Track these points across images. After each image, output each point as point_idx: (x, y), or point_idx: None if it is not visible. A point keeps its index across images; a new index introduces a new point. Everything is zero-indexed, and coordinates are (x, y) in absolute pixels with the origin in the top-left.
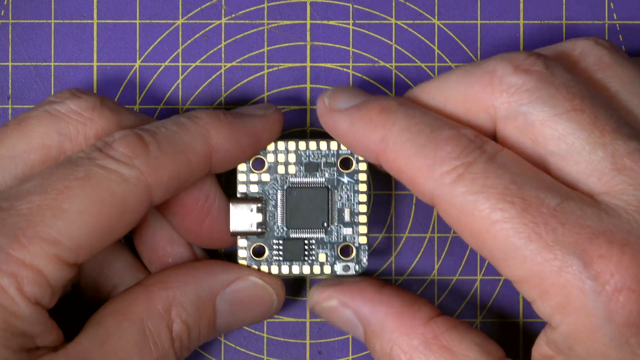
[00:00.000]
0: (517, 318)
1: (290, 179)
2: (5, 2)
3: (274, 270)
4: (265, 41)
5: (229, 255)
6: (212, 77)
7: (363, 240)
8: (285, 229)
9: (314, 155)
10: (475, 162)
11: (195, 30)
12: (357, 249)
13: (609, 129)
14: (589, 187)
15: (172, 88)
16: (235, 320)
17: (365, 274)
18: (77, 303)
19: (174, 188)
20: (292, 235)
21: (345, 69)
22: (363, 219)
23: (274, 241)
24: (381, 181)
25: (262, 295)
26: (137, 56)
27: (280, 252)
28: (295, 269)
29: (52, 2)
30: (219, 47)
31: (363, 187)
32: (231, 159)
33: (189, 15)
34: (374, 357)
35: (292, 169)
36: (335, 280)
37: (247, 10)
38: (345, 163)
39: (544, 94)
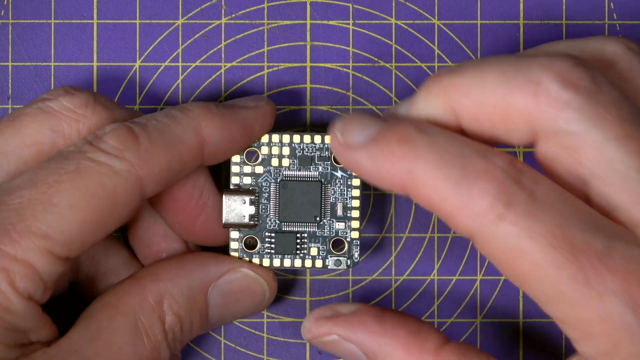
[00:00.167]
0: (517, 318)
1: (284, 172)
2: (5, 2)
3: (266, 262)
4: (265, 41)
5: (221, 249)
6: (212, 77)
7: (355, 235)
8: (277, 221)
9: (308, 149)
10: (515, 202)
11: (195, 30)
12: (349, 243)
13: None
14: (631, 215)
15: (172, 88)
16: (228, 312)
17: (366, 274)
18: (74, 300)
19: (165, 180)
20: (285, 228)
21: (345, 69)
22: (356, 213)
23: (266, 234)
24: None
25: (254, 287)
26: (137, 56)
27: (273, 245)
28: (287, 262)
29: (52, 2)
30: (219, 47)
31: (356, 182)
32: (223, 150)
33: (189, 15)
34: None
35: (285, 162)
36: (330, 309)
37: (247, 10)
38: None
39: (593, 115)
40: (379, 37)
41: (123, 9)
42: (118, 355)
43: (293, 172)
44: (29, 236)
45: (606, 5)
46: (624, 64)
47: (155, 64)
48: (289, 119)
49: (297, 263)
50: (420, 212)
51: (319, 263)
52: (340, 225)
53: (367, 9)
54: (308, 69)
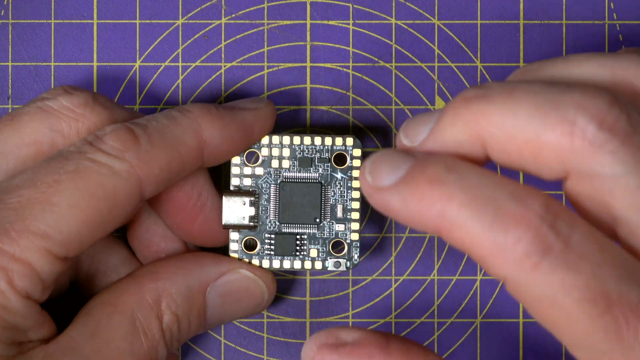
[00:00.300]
0: (517, 318)
1: (284, 174)
2: (5, 2)
3: (265, 264)
4: (265, 41)
5: (220, 250)
6: (212, 77)
7: (355, 236)
8: (277, 223)
9: (308, 150)
10: (551, 251)
11: (195, 30)
12: (349, 245)
13: None
14: None
15: (172, 88)
16: (226, 313)
17: (366, 274)
18: (75, 299)
19: (165, 181)
20: (284, 230)
21: (345, 69)
22: (356, 215)
23: (266, 235)
24: None
25: (252, 289)
26: (137, 56)
27: (272, 247)
28: (287, 264)
29: (52, 2)
30: (219, 47)
31: (356, 184)
32: (223, 152)
33: (189, 15)
34: None
35: (285, 164)
36: (332, 335)
37: (247, 10)
38: (339, 159)
39: (629, 159)
40: (379, 37)
41: (123, 9)
42: (115, 353)
43: (293, 174)
44: (28, 235)
45: (606, 5)
46: None
47: (155, 64)
48: (289, 119)
49: (297, 265)
50: None
51: (318, 265)
52: (340, 227)
53: (367, 9)
54: (308, 69)
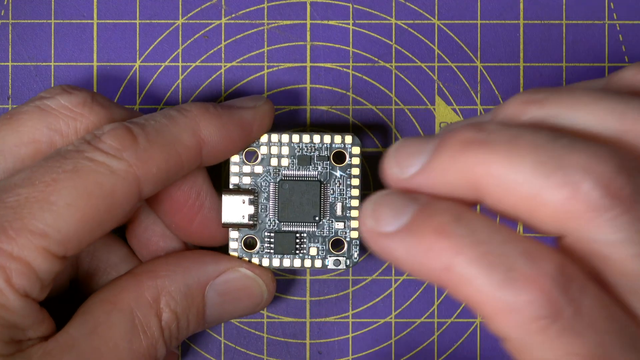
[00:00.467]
0: None
1: (283, 172)
2: (5, 2)
3: (265, 262)
4: (265, 41)
5: (219, 249)
6: (212, 77)
7: (355, 234)
8: (276, 221)
9: (307, 148)
10: (561, 316)
11: (195, 30)
12: (349, 243)
13: None
14: None
15: (172, 88)
16: (225, 311)
17: (366, 274)
18: (74, 296)
19: (163, 181)
20: (284, 228)
21: (345, 69)
22: (355, 213)
23: (266, 234)
24: (381, 180)
25: (252, 287)
26: (137, 56)
27: (272, 245)
28: (286, 262)
29: (52, 2)
30: (219, 47)
31: (355, 182)
32: (221, 151)
33: (189, 15)
34: None
35: (284, 162)
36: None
37: (247, 10)
38: (338, 157)
39: (629, 227)
40: (379, 37)
41: (123, 9)
42: (114, 350)
43: (292, 172)
44: (26, 234)
45: (606, 5)
46: None
47: (155, 64)
48: (289, 119)
49: (297, 263)
50: None
51: (318, 263)
52: (339, 225)
53: (367, 9)
54: (308, 69)
